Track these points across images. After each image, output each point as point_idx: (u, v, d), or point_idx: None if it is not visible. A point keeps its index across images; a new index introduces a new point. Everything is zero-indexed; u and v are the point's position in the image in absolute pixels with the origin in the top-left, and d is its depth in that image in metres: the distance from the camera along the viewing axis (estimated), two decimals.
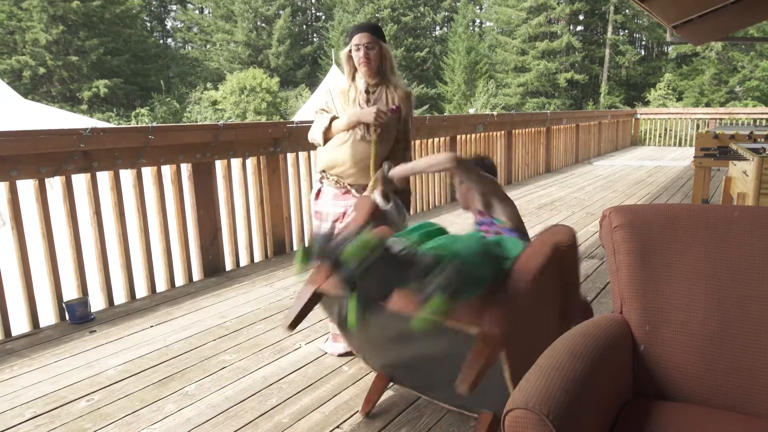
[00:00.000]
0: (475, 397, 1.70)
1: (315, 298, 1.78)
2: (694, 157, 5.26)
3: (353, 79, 2.33)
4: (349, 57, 2.28)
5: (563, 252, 1.51)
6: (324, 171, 2.38)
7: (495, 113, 7.06)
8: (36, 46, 27.30)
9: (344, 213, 2.32)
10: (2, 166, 2.63)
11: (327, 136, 2.33)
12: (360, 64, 2.24)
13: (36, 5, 27.05)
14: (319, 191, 2.40)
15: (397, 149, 2.38)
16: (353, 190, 2.33)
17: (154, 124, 4.40)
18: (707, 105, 24.79)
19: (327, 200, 2.37)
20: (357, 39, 2.23)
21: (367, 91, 2.31)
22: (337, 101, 2.36)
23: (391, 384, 2.09)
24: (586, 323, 1.21)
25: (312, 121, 2.44)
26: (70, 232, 2.96)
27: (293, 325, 1.76)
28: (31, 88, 27.43)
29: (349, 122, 2.26)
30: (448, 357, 1.57)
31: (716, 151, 4.56)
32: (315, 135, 2.36)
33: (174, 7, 38.78)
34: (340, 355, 2.43)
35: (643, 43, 36.15)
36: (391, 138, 2.34)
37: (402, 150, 2.40)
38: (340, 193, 2.35)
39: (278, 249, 4.09)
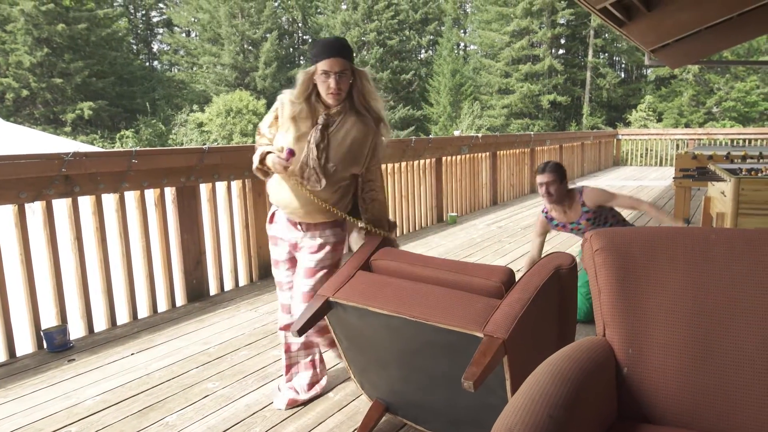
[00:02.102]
0: (471, 428, 1.72)
1: (326, 307, 1.85)
2: (674, 177, 5.35)
3: (307, 99, 1.96)
4: (311, 78, 1.93)
5: (563, 275, 1.60)
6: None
7: (480, 135, 7.14)
8: (20, 69, 27.16)
9: (295, 244, 2.13)
10: None
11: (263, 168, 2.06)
12: (328, 94, 1.92)
13: (20, 28, 27.00)
14: (273, 215, 2.20)
15: (365, 189, 2.10)
16: (300, 227, 2.10)
17: (138, 148, 4.36)
18: (686, 126, 25.35)
19: (281, 225, 2.15)
20: (327, 65, 1.88)
21: (325, 125, 1.96)
22: (285, 116, 2.00)
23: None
24: (569, 347, 1.21)
25: None
26: (49, 257, 2.91)
27: (302, 331, 1.83)
28: (14, 110, 27.23)
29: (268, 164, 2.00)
30: (451, 378, 1.59)
31: (695, 172, 4.65)
32: (253, 164, 2.07)
33: (161, 30, 38.94)
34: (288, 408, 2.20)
35: (623, 65, 37.00)
36: (339, 180, 2.02)
37: (368, 191, 2.11)
38: (292, 224, 2.13)
39: (263, 272, 4.06)
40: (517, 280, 1.69)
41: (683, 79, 28.05)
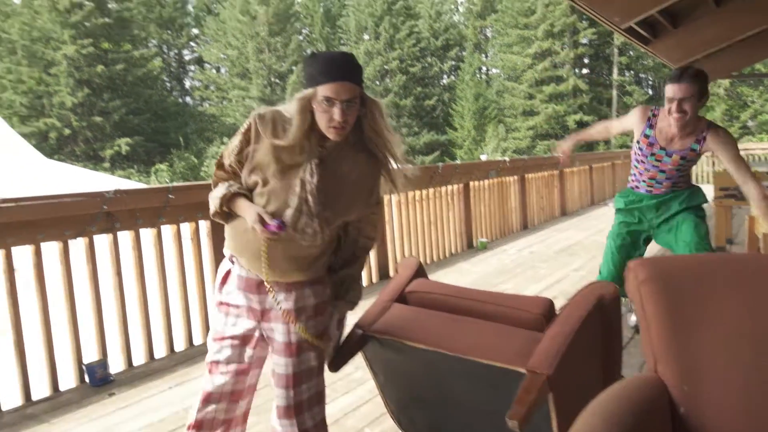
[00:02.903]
0: None
1: (361, 341, 1.77)
2: (714, 197, 5.20)
3: (306, 132, 1.43)
4: (308, 105, 1.41)
5: (606, 306, 1.54)
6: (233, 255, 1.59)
7: (507, 159, 7.11)
8: (62, 109, 28.51)
9: (262, 312, 1.55)
10: (29, 229, 2.69)
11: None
12: (330, 128, 1.41)
13: (63, 70, 28.41)
14: (227, 274, 1.60)
15: (354, 249, 1.65)
16: (270, 287, 1.51)
17: (175, 183, 4.46)
18: None
19: (238, 287, 1.56)
20: (332, 90, 1.38)
21: (321, 159, 1.46)
22: (263, 143, 1.45)
23: None
24: (619, 385, 1.16)
25: None
26: (91, 292, 2.99)
27: (337, 366, 1.74)
28: (57, 148, 28.45)
29: (243, 215, 1.50)
30: (492, 415, 1.56)
31: (735, 190, 4.51)
32: (210, 206, 1.56)
33: (192, 68, 40.36)
34: None
35: (650, 82, 36.56)
36: (334, 228, 1.54)
37: (358, 238, 1.64)
38: (253, 285, 1.54)
39: None
40: (557, 310, 1.66)
41: (715, 93, 27.53)
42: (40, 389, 2.79)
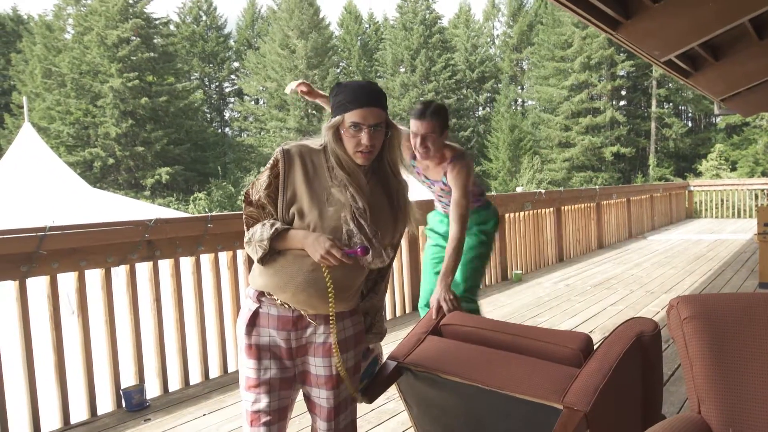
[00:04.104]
0: None
1: (397, 372, 1.76)
2: (758, 232, 5.03)
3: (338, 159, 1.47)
4: (337, 131, 1.46)
5: (645, 342, 1.50)
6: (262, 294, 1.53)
7: (543, 191, 7.04)
8: (107, 139, 29.81)
9: (298, 348, 1.52)
10: (73, 257, 2.80)
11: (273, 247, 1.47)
12: (357, 152, 1.45)
13: (109, 102, 29.81)
14: (255, 313, 1.52)
15: (376, 276, 1.65)
16: (309, 318, 1.51)
17: (214, 212, 4.58)
18: (764, 174, 23.93)
19: (270, 326, 1.51)
20: (359, 116, 1.42)
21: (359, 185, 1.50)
22: (296, 175, 1.47)
23: None
24: (661, 427, 1.12)
25: None
26: (131, 318, 3.06)
27: (372, 397, 1.71)
28: (100, 176, 29.67)
29: (303, 245, 1.44)
30: None
31: None
32: (256, 251, 1.48)
33: (232, 99, 41.75)
34: None
35: (690, 114, 35.88)
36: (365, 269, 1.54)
37: (380, 276, 1.65)
38: (290, 320, 1.51)
39: None
40: (595, 346, 1.62)
41: (757, 126, 26.78)
42: (79, 413, 2.86)
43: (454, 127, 35.54)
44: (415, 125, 2.42)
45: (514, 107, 37.64)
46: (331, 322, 1.48)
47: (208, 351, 3.40)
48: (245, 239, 1.51)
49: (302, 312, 1.50)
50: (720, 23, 4.04)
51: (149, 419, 2.79)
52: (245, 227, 1.53)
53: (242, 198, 1.56)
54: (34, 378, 2.66)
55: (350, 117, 1.43)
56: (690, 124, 34.82)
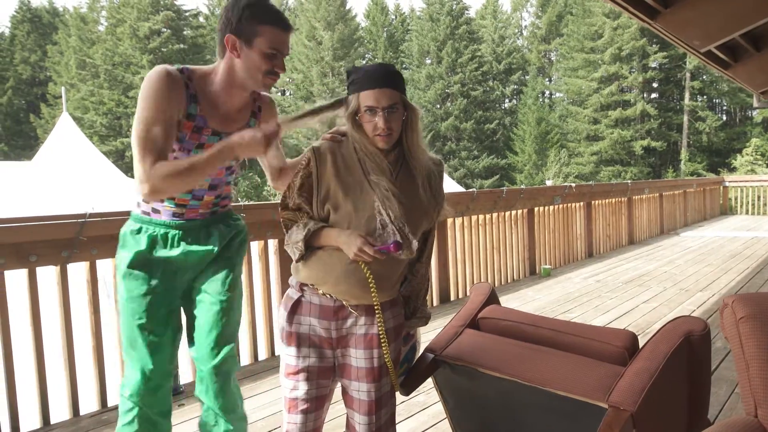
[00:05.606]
0: None
1: (434, 365, 1.75)
2: None
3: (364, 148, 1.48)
4: (355, 120, 1.46)
5: (693, 342, 1.45)
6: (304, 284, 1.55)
7: (573, 185, 6.92)
8: None
9: (338, 339, 1.53)
10: (112, 243, 2.84)
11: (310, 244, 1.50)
12: (375, 137, 1.44)
13: None
14: (297, 302, 1.54)
15: (418, 265, 1.62)
16: (351, 308, 1.51)
17: (245, 202, 4.62)
18: None
19: (313, 314, 1.52)
20: (372, 98, 1.41)
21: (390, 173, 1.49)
22: (328, 171, 1.48)
23: None
24: (717, 429, 1.09)
25: None
26: None
27: (409, 390, 1.71)
28: (131, 166, 30.26)
29: (337, 244, 1.46)
30: None
31: None
32: (294, 253, 1.51)
33: None
34: None
35: (724, 108, 34.86)
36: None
37: (424, 264, 1.63)
38: (331, 310, 1.51)
39: None
40: (640, 345, 1.58)
41: None
42: (115, 396, 2.92)
43: (480, 119, 35.23)
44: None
45: (541, 99, 37.08)
46: (377, 312, 1.48)
47: (240, 339, 3.44)
48: (285, 241, 1.54)
49: (344, 302, 1.50)
50: (762, 13, 3.89)
51: (183, 404, 2.83)
52: (284, 229, 1.55)
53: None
54: (74, 362, 2.72)
55: (364, 101, 1.42)
56: (725, 118, 33.83)
